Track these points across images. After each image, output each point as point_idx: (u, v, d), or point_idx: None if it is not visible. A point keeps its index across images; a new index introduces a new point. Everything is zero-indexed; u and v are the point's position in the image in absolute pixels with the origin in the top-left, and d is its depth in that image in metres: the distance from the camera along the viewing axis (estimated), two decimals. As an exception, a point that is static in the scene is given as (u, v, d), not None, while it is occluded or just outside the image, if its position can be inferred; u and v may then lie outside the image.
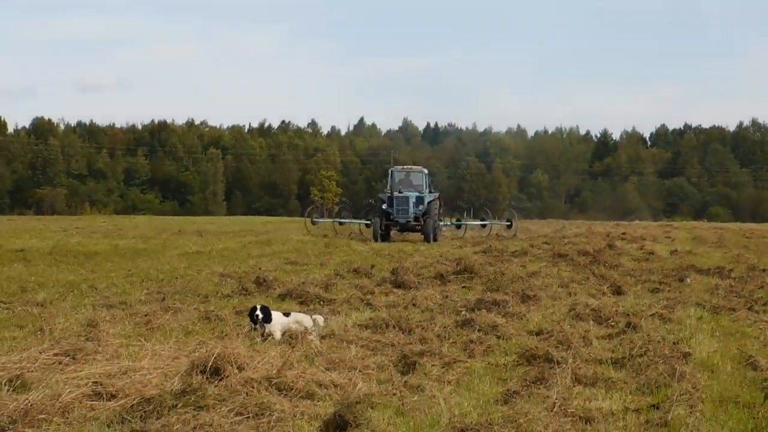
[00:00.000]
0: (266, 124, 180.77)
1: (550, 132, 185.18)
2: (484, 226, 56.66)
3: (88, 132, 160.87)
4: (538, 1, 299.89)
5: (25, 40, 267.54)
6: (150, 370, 11.04)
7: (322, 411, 9.83)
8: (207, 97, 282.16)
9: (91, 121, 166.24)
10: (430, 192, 51.58)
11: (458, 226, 56.30)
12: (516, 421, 8.95)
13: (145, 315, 16.44)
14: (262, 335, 14.25)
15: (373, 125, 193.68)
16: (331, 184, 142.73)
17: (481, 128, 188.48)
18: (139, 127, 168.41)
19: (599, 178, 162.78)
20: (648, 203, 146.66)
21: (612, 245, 39.61)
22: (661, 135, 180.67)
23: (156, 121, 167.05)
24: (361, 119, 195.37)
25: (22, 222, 76.56)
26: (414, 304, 18.92)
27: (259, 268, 26.47)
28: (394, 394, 10.61)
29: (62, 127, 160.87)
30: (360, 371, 11.83)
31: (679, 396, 10.46)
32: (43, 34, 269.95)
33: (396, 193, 50.05)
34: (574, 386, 11.32)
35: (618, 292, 21.82)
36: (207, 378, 10.53)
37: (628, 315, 17.07)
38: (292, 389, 10.52)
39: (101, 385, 10.27)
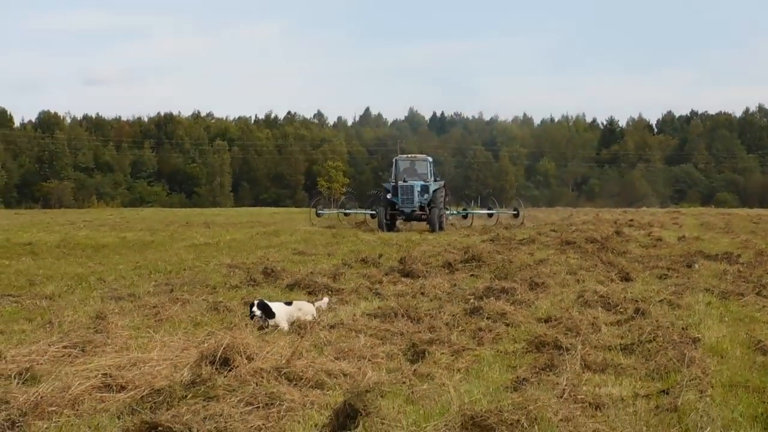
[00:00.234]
0: (272, 115, 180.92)
1: (556, 120, 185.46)
2: (490, 215, 56.14)
3: (95, 125, 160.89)
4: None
5: (30, 34, 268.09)
6: (159, 361, 11.06)
7: (331, 400, 9.83)
8: (213, 89, 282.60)
9: (98, 114, 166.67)
10: (435, 180, 51.17)
11: (465, 216, 55.89)
12: (526, 408, 8.93)
13: (154, 307, 16.43)
14: (261, 328, 14.19)
15: (380, 115, 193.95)
16: (338, 175, 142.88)
17: (487, 117, 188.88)
18: (146, 119, 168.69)
19: (606, 166, 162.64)
20: (655, 190, 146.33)
21: (620, 232, 39.63)
22: (668, 121, 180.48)
23: (162, 114, 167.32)
24: (367, 109, 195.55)
25: (30, 216, 76.67)
26: (422, 293, 18.89)
27: (267, 259, 26.45)
28: (404, 383, 10.61)
29: (68, 120, 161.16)
30: (369, 360, 11.83)
31: (688, 381, 10.45)
32: (48, 27, 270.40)
33: (401, 183, 49.66)
34: (584, 373, 11.31)
35: (626, 278, 21.81)
36: (216, 369, 10.52)
37: (637, 301, 17.04)
38: (301, 379, 10.52)
39: (111, 377, 10.29)
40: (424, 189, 49.58)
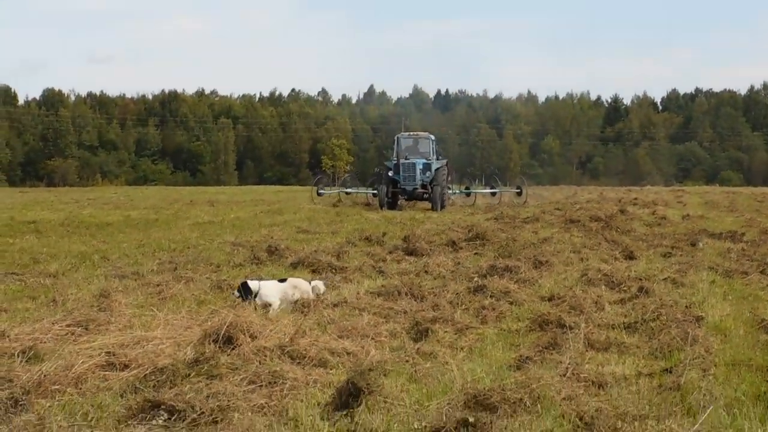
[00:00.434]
0: (277, 93, 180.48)
1: (561, 97, 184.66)
2: (493, 194, 55.72)
3: (99, 103, 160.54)
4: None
5: (35, 13, 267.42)
6: (163, 339, 11.07)
7: (335, 379, 9.84)
8: (217, 67, 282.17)
9: (102, 91, 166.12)
10: (437, 159, 50.62)
11: (468, 194, 55.48)
12: (529, 386, 8.95)
13: (158, 285, 16.46)
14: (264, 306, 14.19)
15: (383, 93, 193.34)
16: (342, 153, 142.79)
17: (491, 94, 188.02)
18: (150, 97, 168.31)
19: (611, 144, 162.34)
20: (660, 168, 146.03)
21: (624, 210, 39.63)
22: (673, 99, 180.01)
23: (166, 91, 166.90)
24: (371, 87, 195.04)
25: (34, 194, 76.72)
26: (426, 271, 18.89)
27: (271, 237, 26.46)
28: (407, 361, 10.61)
29: (73, 98, 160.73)
30: (372, 339, 11.83)
31: (692, 360, 10.45)
32: (53, 5, 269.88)
33: (402, 160, 49.11)
34: (587, 351, 11.33)
35: (630, 257, 21.82)
36: (220, 347, 10.54)
37: (641, 280, 17.06)
38: (304, 357, 10.53)
39: (114, 355, 10.30)
40: (426, 167, 48.96)
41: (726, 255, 22.16)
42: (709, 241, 25.68)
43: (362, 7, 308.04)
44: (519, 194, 54.61)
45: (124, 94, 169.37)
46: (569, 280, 17.69)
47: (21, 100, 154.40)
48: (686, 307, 14.26)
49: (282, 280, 15.17)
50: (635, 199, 56.88)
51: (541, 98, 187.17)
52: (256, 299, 14.18)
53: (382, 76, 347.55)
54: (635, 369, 10.50)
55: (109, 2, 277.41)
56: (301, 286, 15.00)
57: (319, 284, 15.58)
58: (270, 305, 14.16)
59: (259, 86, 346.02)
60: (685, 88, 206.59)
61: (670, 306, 14.06)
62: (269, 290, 14.47)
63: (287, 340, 10.91)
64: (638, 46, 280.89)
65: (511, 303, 14.99)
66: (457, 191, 55.03)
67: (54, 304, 14.40)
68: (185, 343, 10.91)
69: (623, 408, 8.62)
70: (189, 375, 9.51)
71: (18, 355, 10.37)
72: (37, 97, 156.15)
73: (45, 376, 9.41)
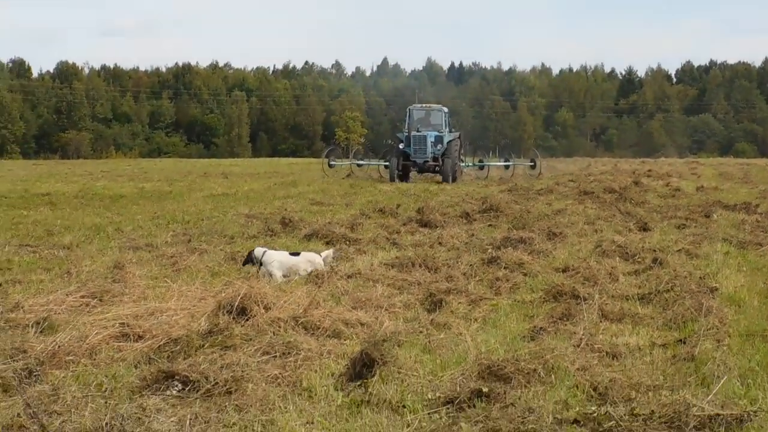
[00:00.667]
0: (290, 66, 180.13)
1: (575, 70, 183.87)
2: (507, 167, 55.10)
3: (113, 75, 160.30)
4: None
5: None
6: (177, 311, 11.10)
7: (349, 349, 9.86)
8: (231, 39, 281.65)
9: (116, 64, 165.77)
10: (450, 131, 50.18)
11: (481, 167, 54.91)
12: (543, 357, 8.95)
13: (171, 257, 16.51)
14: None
15: (397, 65, 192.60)
16: (355, 125, 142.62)
17: (505, 67, 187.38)
18: (164, 69, 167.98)
19: (625, 116, 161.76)
20: (674, 140, 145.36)
21: (638, 182, 39.58)
22: (687, 71, 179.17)
23: (180, 64, 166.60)
24: (385, 59, 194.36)
25: (48, 166, 76.78)
26: (440, 243, 18.92)
27: (285, 209, 26.51)
28: (421, 332, 10.64)
29: (86, 70, 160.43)
30: (386, 310, 11.86)
31: (705, 331, 10.44)
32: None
33: (414, 132, 48.51)
34: (601, 322, 11.33)
35: (644, 228, 21.79)
36: (233, 318, 10.57)
37: (655, 251, 17.04)
38: (318, 328, 10.55)
39: (128, 326, 10.33)
40: (438, 140, 48.41)
41: (740, 226, 22.12)
42: (723, 212, 25.63)
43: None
44: (533, 167, 54.01)
45: (137, 67, 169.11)
46: (583, 252, 17.68)
47: (35, 73, 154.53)
48: (700, 278, 14.26)
49: (295, 254, 15.18)
50: (649, 170, 56.64)
51: (555, 70, 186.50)
52: (261, 268, 14.28)
53: (396, 49, 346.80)
54: (649, 340, 10.49)
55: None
56: (314, 260, 15.01)
57: (329, 253, 15.60)
58: (271, 276, 14.20)
59: (272, 59, 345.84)
60: (700, 60, 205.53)
61: (684, 277, 14.06)
62: (272, 261, 14.49)
63: (301, 311, 10.93)
64: (653, 18, 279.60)
65: (525, 274, 15.00)
66: (470, 164, 54.63)
67: (68, 276, 14.45)
68: (199, 314, 10.94)
69: (637, 378, 8.62)
70: (203, 346, 9.54)
71: (32, 327, 10.42)
72: (51, 70, 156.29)
73: (59, 347, 9.44)
